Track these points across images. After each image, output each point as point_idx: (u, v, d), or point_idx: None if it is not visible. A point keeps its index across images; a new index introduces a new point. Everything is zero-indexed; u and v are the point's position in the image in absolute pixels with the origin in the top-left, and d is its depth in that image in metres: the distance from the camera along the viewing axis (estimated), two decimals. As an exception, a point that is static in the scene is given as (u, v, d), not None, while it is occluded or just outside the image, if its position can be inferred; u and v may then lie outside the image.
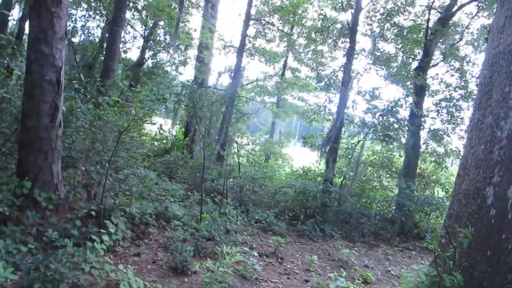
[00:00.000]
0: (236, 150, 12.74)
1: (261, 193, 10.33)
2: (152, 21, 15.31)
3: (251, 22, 13.35)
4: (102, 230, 4.95)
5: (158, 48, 15.78)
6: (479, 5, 11.44)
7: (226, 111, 11.22)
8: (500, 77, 4.31)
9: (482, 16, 11.66)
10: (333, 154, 10.30)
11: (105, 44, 11.56)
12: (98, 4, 14.35)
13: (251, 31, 13.53)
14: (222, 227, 6.94)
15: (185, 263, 5.10)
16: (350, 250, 7.38)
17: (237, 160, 12.65)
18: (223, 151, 11.06)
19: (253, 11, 13.31)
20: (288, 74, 16.16)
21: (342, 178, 10.58)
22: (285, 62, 15.92)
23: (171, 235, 6.11)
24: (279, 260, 6.72)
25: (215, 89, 11.99)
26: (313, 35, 13.33)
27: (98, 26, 15.83)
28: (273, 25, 13.85)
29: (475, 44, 11.98)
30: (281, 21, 14.28)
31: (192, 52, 15.63)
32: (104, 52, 11.29)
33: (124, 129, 6.00)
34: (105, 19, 14.46)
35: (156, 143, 13.66)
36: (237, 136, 13.22)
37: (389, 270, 7.22)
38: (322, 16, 11.90)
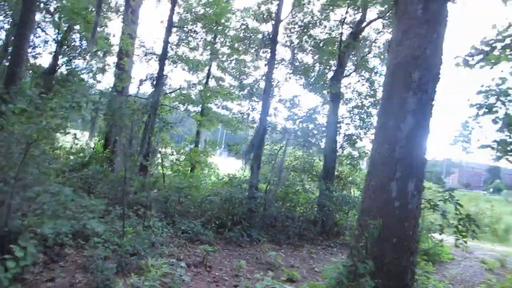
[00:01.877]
0: (160, 161, 12.42)
1: (187, 203, 10.20)
2: (66, 25, 14.33)
3: (174, 29, 13.25)
4: (6, 256, 4.45)
5: (73, 54, 14.81)
6: (384, 21, 12.73)
7: (149, 121, 10.91)
8: (399, 85, 4.86)
9: (387, 31, 12.99)
10: (257, 160, 10.57)
11: (11, 48, 10.52)
12: (3, 3, 13.03)
13: (173, 38, 13.43)
14: (146, 241, 6.70)
15: (107, 282, 4.83)
16: (277, 252, 7.62)
17: (161, 170, 12.33)
18: (146, 162, 10.71)
19: (176, 18, 13.21)
20: (212, 82, 16.25)
21: (266, 183, 10.89)
22: (209, 70, 15.98)
23: (90, 254, 5.72)
24: (208, 268, 6.69)
25: (137, 97, 11.59)
26: (236, 44, 13.62)
27: (1, 28, 14.40)
28: (196, 33, 13.86)
29: (382, 56, 13.28)
30: (204, 30, 14.36)
31: (112, 59, 14.97)
32: (9, 57, 10.28)
33: (33, 140, 5.50)
34: (11, 20, 13.20)
35: (71, 157, 12.75)
36: (161, 146, 12.90)
37: (313, 268, 7.59)
38: (244, 26, 12.24)
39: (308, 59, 13.40)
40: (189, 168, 15.48)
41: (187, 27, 13.50)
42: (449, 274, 8.38)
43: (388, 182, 4.77)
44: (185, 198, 10.36)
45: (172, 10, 10.88)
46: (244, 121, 13.16)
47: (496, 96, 7.68)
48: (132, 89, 13.21)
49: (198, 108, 15.68)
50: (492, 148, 7.93)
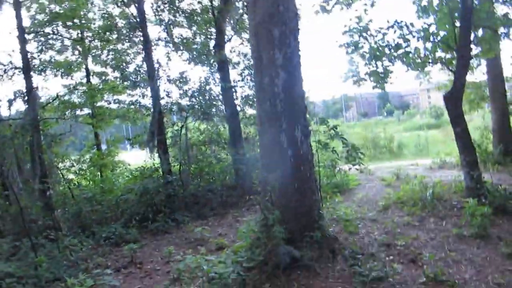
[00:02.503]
0: (61, 176, 11.57)
1: (102, 210, 9.78)
2: None
3: (31, 35, 11.91)
4: None
5: None
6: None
7: (32, 140, 9.94)
8: (264, 44, 5.14)
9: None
10: (161, 146, 10.42)
11: None
12: None
13: (33, 45, 12.13)
14: (65, 262, 6.39)
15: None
16: (203, 228, 7.82)
17: (65, 187, 11.51)
18: (44, 184, 9.87)
19: (28, 22, 11.90)
20: (95, 80, 15.18)
21: (178, 165, 10.87)
22: (87, 68, 14.85)
23: (7, 296, 5.29)
24: (138, 265, 6.65)
25: (10, 120, 10.42)
26: (105, 35, 12.79)
27: None
28: (58, 33, 12.66)
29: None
30: (66, 28, 13.16)
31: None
32: None
33: None
34: None
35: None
36: (56, 162, 11.96)
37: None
38: (106, 15, 11.48)
39: (186, 32, 13.20)
40: (98, 174, 14.65)
41: (43, 30, 12.23)
42: (356, 198, 9.47)
43: (278, 135, 5.16)
44: (99, 205, 9.93)
45: (18, 16, 9.69)
46: (139, 110, 12.69)
47: (358, 35, 8.53)
48: (3, 112, 11.71)
49: (88, 111, 14.65)
50: (365, 80, 8.92)
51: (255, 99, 12.63)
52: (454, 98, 7.94)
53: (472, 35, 8.46)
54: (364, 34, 8.93)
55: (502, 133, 13.10)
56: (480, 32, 9.39)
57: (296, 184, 5.11)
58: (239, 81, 12.93)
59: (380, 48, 8.83)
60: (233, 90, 12.26)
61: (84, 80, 14.75)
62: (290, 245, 4.71)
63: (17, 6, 9.97)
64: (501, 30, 9.14)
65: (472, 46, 8.72)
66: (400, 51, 8.83)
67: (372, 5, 8.82)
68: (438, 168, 13.28)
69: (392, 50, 8.81)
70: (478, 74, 14.52)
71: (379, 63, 8.98)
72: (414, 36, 8.85)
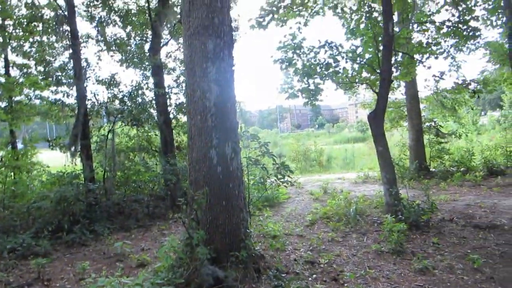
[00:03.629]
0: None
1: (11, 217, 8.79)
2: None
3: None
4: None
5: None
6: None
7: None
8: (197, 56, 4.99)
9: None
10: (85, 151, 9.70)
11: None
12: None
13: None
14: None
15: None
16: (124, 242, 7.35)
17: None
18: None
19: None
20: (14, 72, 13.74)
21: (103, 172, 10.19)
22: (6, 59, 13.42)
23: None
24: (46, 283, 6.02)
25: None
26: (29, 26, 11.69)
27: None
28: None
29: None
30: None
31: None
32: None
33: None
34: None
35: None
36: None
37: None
38: (30, 5, 10.51)
39: (120, 33, 12.55)
40: (10, 175, 13.19)
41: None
42: (285, 213, 9.62)
43: (208, 150, 5.01)
44: (7, 211, 8.92)
45: None
46: (63, 110, 11.72)
47: (292, 51, 8.75)
48: None
49: (1, 104, 13.16)
50: (297, 96, 9.15)
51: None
52: (377, 119, 8.45)
53: (393, 59, 9.14)
54: (298, 51, 9.20)
55: (417, 150, 14.36)
56: (399, 57, 10.20)
57: (224, 202, 4.99)
58: (173, 87, 12.59)
59: (312, 66, 9.15)
60: (167, 96, 11.88)
61: (2, 71, 13.29)
62: (215, 265, 4.56)
63: None
64: (417, 56, 10.03)
65: (393, 69, 9.42)
66: (330, 70, 9.23)
67: (305, 24, 9.12)
68: (362, 182, 14.07)
69: (323, 69, 9.17)
70: (398, 94, 15.90)
71: (310, 81, 9.30)
72: (343, 57, 9.32)
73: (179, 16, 13.22)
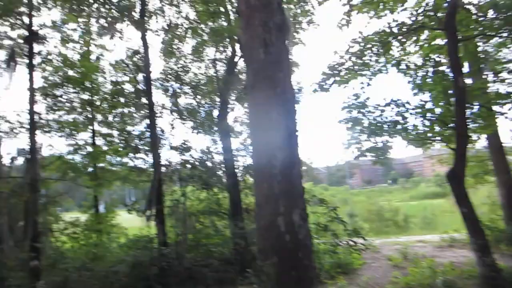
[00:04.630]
0: (52, 240, 11.17)
1: (91, 280, 9.25)
2: None
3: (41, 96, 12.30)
4: None
5: None
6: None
7: (29, 200, 9.78)
8: (261, 124, 5.10)
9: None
10: (159, 215, 10.13)
11: None
12: None
13: (42, 106, 12.46)
14: None
15: None
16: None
17: (57, 251, 11.06)
18: (34, 248, 9.49)
19: (40, 82, 12.38)
20: (99, 141, 15.33)
21: (175, 236, 10.46)
22: (93, 130, 15.09)
23: None
24: None
25: (10, 178, 10.34)
26: (113, 99, 13.18)
27: None
28: (68, 96, 13.09)
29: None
30: (76, 90, 13.62)
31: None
32: None
33: None
34: None
35: None
36: (50, 224, 11.64)
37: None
38: (115, 82, 11.93)
39: (191, 101, 13.54)
40: (92, 238, 14.17)
41: (51, 91, 12.65)
42: (361, 281, 8.81)
43: (275, 218, 4.90)
44: (87, 273, 9.43)
45: (31, 78, 10.05)
46: (140, 175, 12.60)
47: (357, 111, 8.64)
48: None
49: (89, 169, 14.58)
50: (365, 155, 8.85)
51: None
52: (456, 178, 7.75)
53: (468, 112, 8.52)
54: (363, 110, 9.06)
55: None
56: (476, 109, 9.48)
57: (293, 272, 4.75)
58: (241, 150, 12.96)
59: (379, 124, 8.88)
60: (235, 159, 12.22)
61: (89, 140, 14.88)
62: None
63: (30, 67, 10.36)
64: (496, 107, 9.24)
65: (469, 122, 8.75)
66: (398, 127, 8.87)
67: (368, 84, 9.06)
68: (447, 246, 12.62)
69: (391, 126, 8.85)
70: (479, 147, 14.46)
71: (378, 139, 8.98)
72: (411, 114, 8.95)
73: (244, 82, 14.00)
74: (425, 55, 10.29)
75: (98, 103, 14.68)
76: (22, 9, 10.52)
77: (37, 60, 11.62)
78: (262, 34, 4.71)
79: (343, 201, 29.97)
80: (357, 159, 9.14)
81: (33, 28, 10.61)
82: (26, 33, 10.59)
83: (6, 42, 11.55)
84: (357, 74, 9.07)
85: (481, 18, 9.22)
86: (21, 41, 11.03)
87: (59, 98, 13.12)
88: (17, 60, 10.55)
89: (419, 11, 9.52)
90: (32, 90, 10.18)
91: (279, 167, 4.97)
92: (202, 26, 12.93)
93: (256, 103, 5.16)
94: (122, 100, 13.57)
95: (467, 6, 9.43)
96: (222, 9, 12.61)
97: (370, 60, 9.19)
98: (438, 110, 8.94)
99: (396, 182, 69.92)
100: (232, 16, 12.45)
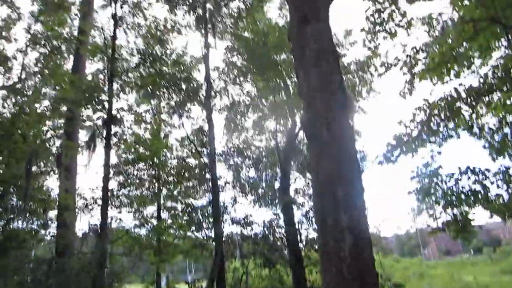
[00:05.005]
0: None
1: None
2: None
3: (115, 171, 13.22)
4: None
5: (11, 216, 13.94)
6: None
7: (96, 277, 10.04)
8: (327, 204, 4.85)
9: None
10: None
11: None
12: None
13: (114, 183, 13.33)
14: None
15: None
16: None
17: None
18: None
19: (114, 160, 13.36)
20: (163, 214, 15.84)
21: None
22: (158, 203, 15.70)
23: None
24: None
25: (80, 254, 10.83)
26: (179, 175, 13.79)
27: None
28: (137, 175, 13.96)
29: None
30: (146, 166, 14.51)
31: (54, 213, 14.28)
32: None
33: None
34: None
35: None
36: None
37: None
38: (181, 161, 12.58)
39: (253, 173, 13.70)
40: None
41: (124, 168, 13.57)
42: None
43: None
44: None
45: (107, 156, 10.93)
46: (202, 250, 12.57)
47: (428, 181, 8.02)
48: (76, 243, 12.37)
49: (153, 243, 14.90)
50: (443, 229, 8.01)
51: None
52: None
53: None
54: (434, 179, 8.38)
55: None
56: None
57: None
58: (303, 222, 12.53)
59: (455, 195, 8.10)
60: (298, 232, 11.79)
61: (155, 214, 15.41)
62: None
63: (107, 147, 11.30)
64: None
65: None
66: (479, 197, 8.00)
67: (439, 152, 8.48)
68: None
69: (470, 197, 8.02)
70: None
71: (456, 210, 8.14)
72: (492, 182, 8.09)
73: (305, 153, 13.94)
74: (500, 117, 9.56)
75: (164, 177, 15.43)
76: (103, 97, 11.81)
77: (113, 140, 12.72)
78: (324, 114, 4.66)
79: (419, 275, 26.96)
80: (433, 234, 8.29)
81: (112, 112, 11.81)
82: (105, 116, 11.80)
83: (88, 123, 12.96)
84: (425, 142, 8.59)
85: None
86: (100, 124, 12.27)
87: (130, 175, 13.97)
88: (96, 142, 11.61)
89: (488, 73, 9.07)
90: (107, 168, 10.98)
91: (348, 250, 4.59)
92: (263, 101, 13.50)
93: (320, 181, 4.97)
94: (186, 174, 14.11)
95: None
96: (282, 84, 13.17)
97: (438, 126, 8.71)
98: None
99: (480, 252, 62.08)
100: (291, 89, 12.89)
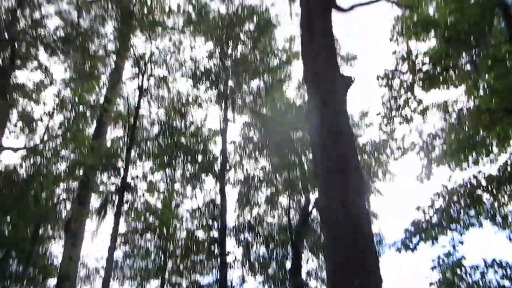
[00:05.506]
0: None
1: None
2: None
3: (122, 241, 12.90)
4: None
5: (7, 283, 13.35)
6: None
7: None
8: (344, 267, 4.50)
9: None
10: None
11: None
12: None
13: (121, 252, 12.92)
14: None
15: None
16: None
17: None
18: None
19: (122, 228, 13.08)
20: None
21: None
22: (162, 277, 14.95)
23: None
24: None
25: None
26: (187, 248, 13.32)
27: None
28: (144, 245, 13.58)
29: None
30: (154, 236, 14.11)
31: (53, 281, 13.63)
32: None
33: None
34: None
35: None
36: None
37: None
38: (190, 234, 12.25)
39: (263, 251, 13.12)
40: None
41: (131, 238, 13.23)
42: None
43: None
44: None
45: (116, 225, 10.68)
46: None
47: (450, 272, 7.52)
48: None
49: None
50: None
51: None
52: None
53: None
54: (457, 271, 7.84)
55: None
56: None
57: None
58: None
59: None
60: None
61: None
62: None
63: (117, 215, 11.06)
64: None
65: None
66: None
67: (460, 242, 8.05)
68: None
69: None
70: None
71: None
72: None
73: (319, 233, 13.43)
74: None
75: (171, 249, 14.89)
76: (120, 163, 11.95)
77: (124, 207, 12.55)
78: (340, 196, 4.54)
79: None
80: None
81: (126, 179, 11.83)
82: (120, 183, 11.78)
83: (102, 188, 12.91)
84: (445, 229, 8.19)
85: None
86: (113, 190, 12.24)
87: (137, 246, 13.56)
88: (107, 210, 11.49)
89: (508, 161, 8.92)
90: (114, 238, 10.68)
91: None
92: (277, 176, 13.43)
93: (334, 265, 4.67)
94: (194, 248, 13.63)
95: None
96: (297, 160, 13.19)
97: (459, 214, 8.38)
98: None
99: None
100: (306, 167, 12.85)
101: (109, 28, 13.69)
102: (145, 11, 13.05)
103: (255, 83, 14.14)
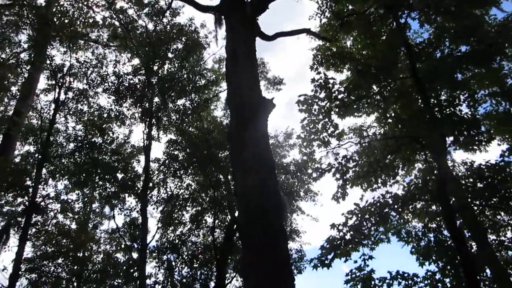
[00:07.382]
0: None
1: None
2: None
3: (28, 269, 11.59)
4: None
5: None
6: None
7: None
8: None
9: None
10: None
11: None
12: None
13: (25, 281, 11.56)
14: None
15: None
16: None
17: None
18: None
19: (28, 252, 11.78)
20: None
21: None
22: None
23: None
24: None
25: None
26: (105, 272, 12.47)
27: None
28: (53, 272, 12.38)
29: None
30: (66, 261, 13.00)
31: None
32: None
33: None
34: None
35: None
36: None
37: None
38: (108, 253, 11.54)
39: (186, 272, 12.79)
40: None
41: (38, 264, 12.03)
42: None
43: None
44: None
45: (20, 250, 9.66)
46: None
47: (361, 284, 8.08)
48: None
49: None
50: None
51: None
52: None
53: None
54: (368, 283, 8.45)
55: None
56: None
57: None
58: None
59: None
60: None
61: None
62: None
63: (22, 240, 9.98)
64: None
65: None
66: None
67: (370, 257, 8.74)
68: None
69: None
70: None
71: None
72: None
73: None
74: (424, 224, 10.23)
75: (86, 274, 13.82)
76: (28, 182, 10.93)
77: (31, 230, 11.41)
78: (259, 217, 4.67)
79: None
80: None
81: (35, 199, 10.81)
82: (27, 203, 10.72)
83: (6, 209, 11.59)
84: (358, 245, 8.80)
85: (470, 188, 9.51)
86: (19, 211, 11.10)
87: (45, 272, 12.35)
88: (9, 234, 10.36)
89: (411, 183, 9.92)
90: (18, 266, 9.65)
91: None
92: (203, 195, 13.30)
93: (256, 282, 4.76)
94: (112, 271, 12.82)
95: (457, 177, 9.89)
96: (222, 179, 13.22)
97: (370, 230, 9.07)
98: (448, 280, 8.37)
99: None
100: (231, 186, 12.94)
101: (24, 36, 12.73)
102: (66, 21, 12.31)
103: (181, 102, 14.03)
